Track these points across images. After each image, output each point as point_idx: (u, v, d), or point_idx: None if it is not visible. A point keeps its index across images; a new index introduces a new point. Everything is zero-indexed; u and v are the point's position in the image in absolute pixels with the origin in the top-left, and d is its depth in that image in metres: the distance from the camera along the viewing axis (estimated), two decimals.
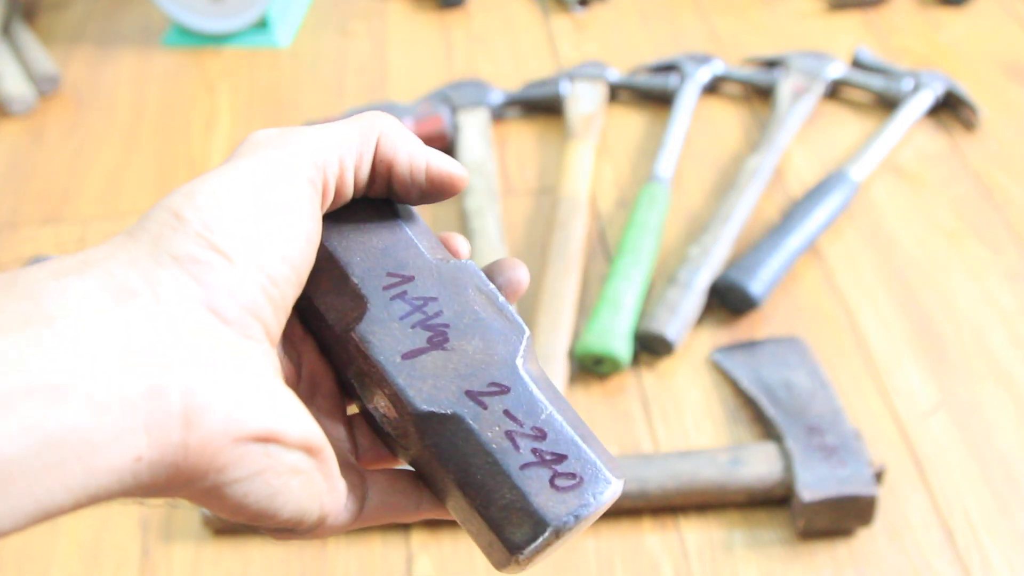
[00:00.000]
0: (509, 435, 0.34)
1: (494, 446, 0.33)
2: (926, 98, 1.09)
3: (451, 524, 0.77)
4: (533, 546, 0.33)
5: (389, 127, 0.36)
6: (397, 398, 0.34)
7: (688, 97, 1.11)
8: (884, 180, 1.04)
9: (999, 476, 0.78)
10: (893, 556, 0.73)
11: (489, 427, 0.34)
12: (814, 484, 0.73)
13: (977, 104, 1.09)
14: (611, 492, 0.33)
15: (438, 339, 0.35)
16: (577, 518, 0.33)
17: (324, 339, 0.37)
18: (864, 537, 0.74)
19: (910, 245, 0.97)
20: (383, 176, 0.37)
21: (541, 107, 1.14)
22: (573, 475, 0.33)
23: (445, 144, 1.08)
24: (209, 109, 1.21)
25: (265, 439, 0.31)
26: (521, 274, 0.38)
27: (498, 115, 1.13)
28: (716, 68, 1.15)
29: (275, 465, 0.31)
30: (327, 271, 0.36)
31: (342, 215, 0.37)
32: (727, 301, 0.91)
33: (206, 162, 1.13)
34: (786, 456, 0.76)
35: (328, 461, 0.33)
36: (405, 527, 0.77)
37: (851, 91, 1.15)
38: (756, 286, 0.89)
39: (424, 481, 0.36)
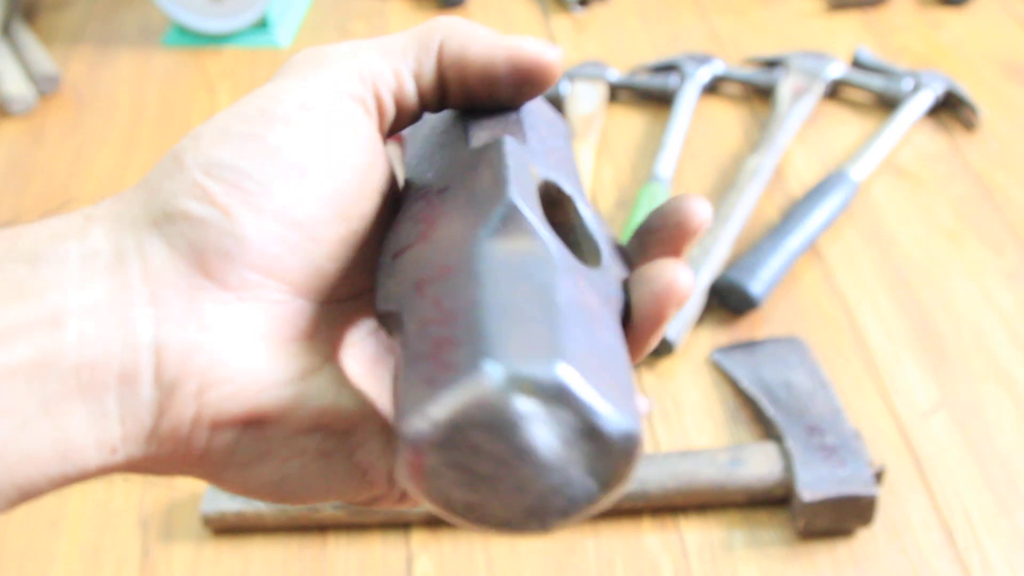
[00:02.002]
0: (422, 325, 0.26)
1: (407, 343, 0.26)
2: (926, 98, 1.09)
3: (451, 524, 0.77)
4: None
5: (453, 25, 0.31)
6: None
7: (688, 97, 1.11)
8: (884, 180, 1.04)
9: (999, 476, 0.78)
10: (893, 556, 0.73)
11: (411, 320, 0.27)
12: (814, 484, 0.73)
13: (977, 104, 1.09)
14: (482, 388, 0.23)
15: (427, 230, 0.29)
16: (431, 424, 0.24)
17: None
18: (864, 537, 0.74)
19: (910, 245, 0.97)
20: (457, 82, 0.31)
21: None
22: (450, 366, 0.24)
23: None
24: (209, 109, 1.21)
25: (255, 422, 0.27)
26: (690, 212, 0.31)
27: None
28: (716, 68, 1.15)
29: (278, 450, 0.28)
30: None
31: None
32: (727, 301, 0.91)
33: None
34: (786, 456, 0.76)
35: (371, 436, 0.29)
36: (405, 527, 0.77)
37: (851, 91, 1.15)
38: (756, 286, 0.89)
39: None
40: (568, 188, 0.31)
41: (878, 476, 0.75)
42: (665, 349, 0.87)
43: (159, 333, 0.26)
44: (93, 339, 0.26)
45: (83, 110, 1.22)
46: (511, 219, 0.28)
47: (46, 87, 1.23)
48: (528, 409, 0.24)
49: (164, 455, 0.27)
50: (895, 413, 0.83)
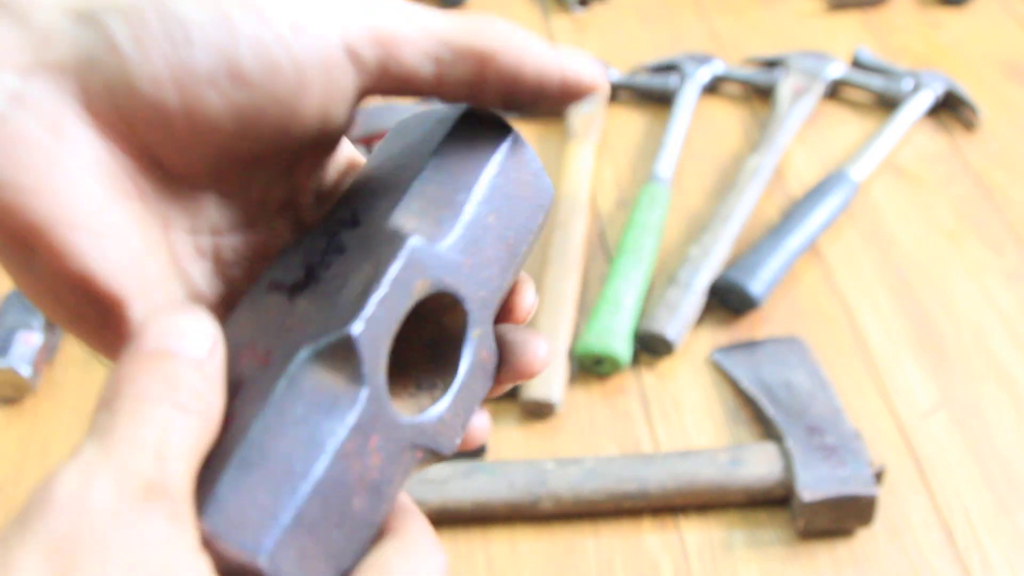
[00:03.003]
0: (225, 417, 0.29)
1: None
2: (926, 98, 1.09)
3: (451, 524, 0.77)
4: None
5: (507, 37, 0.31)
6: None
7: (688, 97, 1.11)
8: (884, 180, 1.04)
9: (999, 476, 0.78)
10: (893, 556, 0.73)
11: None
12: (814, 484, 0.73)
13: (977, 104, 1.09)
14: None
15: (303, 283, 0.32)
16: None
17: None
18: (864, 537, 0.74)
19: (910, 245, 0.97)
20: (498, 92, 0.31)
21: None
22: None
23: None
24: None
25: (30, 243, 0.28)
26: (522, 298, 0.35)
27: None
28: (716, 68, 1.15)
29: (37, 277, 0.29)
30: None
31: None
32: (727, 301, 0.91)
33: None
34: (786, 456, 0.76)
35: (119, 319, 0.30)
36: None
37: (851, 91, 1.15)
38: (756, 286, 0.89)
39: None
40: (470, 298, 0.32)
41: (878, 476, 0.75)
42: (665, 349, 0.87)
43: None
44: None
45: None
46: (341, 351, 0.29)
47: None
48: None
49: None
50: (895, 413, 0.83)
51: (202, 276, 0.32)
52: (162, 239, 0.31)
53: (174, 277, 0.31)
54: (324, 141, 0.32)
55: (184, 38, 0.28)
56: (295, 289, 0.31)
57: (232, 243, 0.33)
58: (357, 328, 0.29)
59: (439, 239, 0.31)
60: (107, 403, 0.27)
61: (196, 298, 0.32)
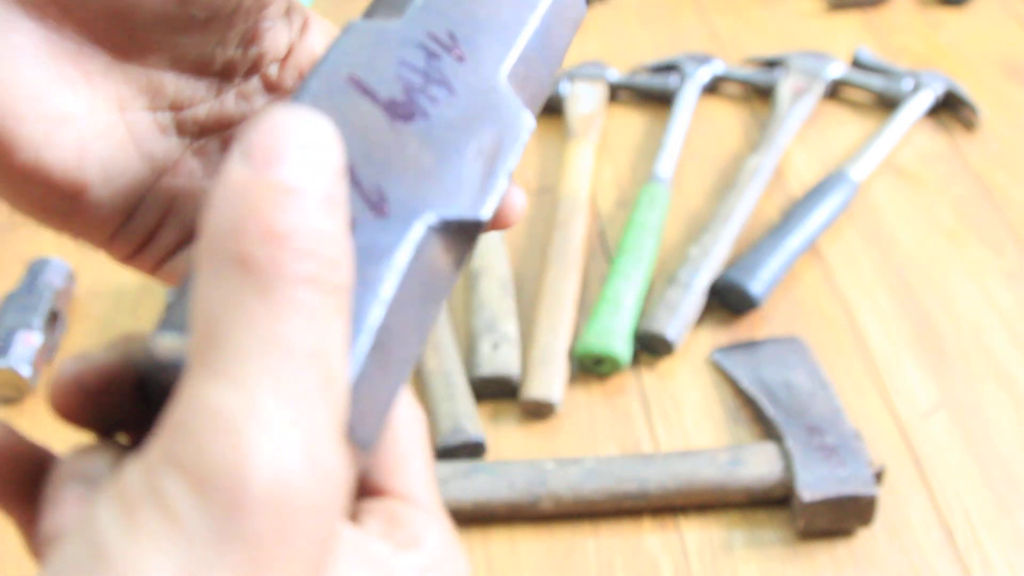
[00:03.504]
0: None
1: None
2: (926, 98, 1.09)
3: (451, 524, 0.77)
4: None
5: None
6: None
7: (688, 97, 1.11)
8: (884, 180, 1.04)
9: (999, 476, 0.78)
10: (893, 556, 0.73)
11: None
12: (814, 484, 0.73)
13: (977, 104, 1.09)
14: None
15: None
16: None
17: None
18: (864, 537, 0.74)
19: (910, 245, 0.97)
20: None
21: None
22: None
23: None
24: None
25: None
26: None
27: None
28: (716, 68, 1.15)
29: None
30: None
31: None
32: (727, 301, 0.91)
33: None
34: (786, 456, 0.76)
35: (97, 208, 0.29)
36: None
37: (851, 91, 1.15)
38: (756, 286, 0.89)
39: None
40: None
41: (878, 476, 0.75)
42: (665, 349, 0.87)
43: None
44: None
45: None
46: (466, 232, 0.27)
47: None
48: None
49: None
50: (895, 413, 0.83)
51: (167, 153, 0.31)
52: (118, 120, 0.30)
53: (137, 158, 0.30)
54: None
55: None
56: (395, 111, 0.27)
57: (198, 116, 0.32)
58: (487, 213, 0.26)
59: (525, 84, 0.31)
60: (213, 316, 0.21)
61: (164, 176, 0.31)
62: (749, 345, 0.87)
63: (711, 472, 0.75)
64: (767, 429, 0.80)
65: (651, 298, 0.91)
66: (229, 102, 0.32)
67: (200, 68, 0.31)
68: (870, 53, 1.17)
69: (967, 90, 1.10)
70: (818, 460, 0.75)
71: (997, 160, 1.06)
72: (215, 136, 0.32)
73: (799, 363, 0.85)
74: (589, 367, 0.86)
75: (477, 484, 0.76)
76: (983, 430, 0.81)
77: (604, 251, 0.97)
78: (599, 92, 1.13)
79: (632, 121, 1.13)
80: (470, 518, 0.76)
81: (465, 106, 0.28)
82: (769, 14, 1.29)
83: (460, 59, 0.29)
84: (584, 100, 1.11)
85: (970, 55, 1.20)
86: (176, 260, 0.32)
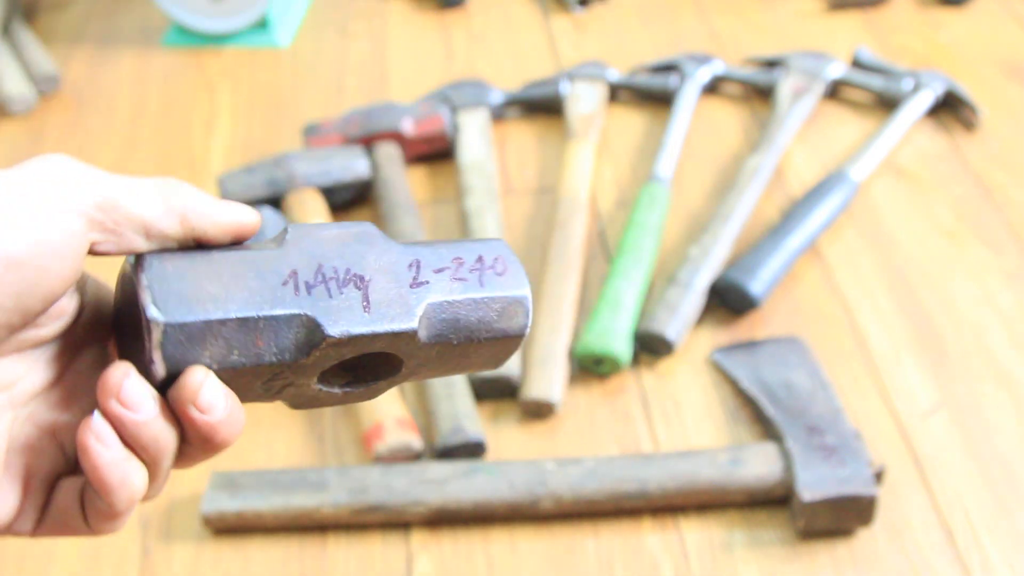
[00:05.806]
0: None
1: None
2: (926, 98, 1.09)
3: (451, 524, 0.77)
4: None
5: (192, 200, 0.37)
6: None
7: (688, 97, 1.11)
8: (884, 180, 1.04)
9: (999, 476, 0.78)
10: (893, 556, 0.73)
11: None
12: (814, 484, 0.73)
13: (977, 104, 1.09)
14: None
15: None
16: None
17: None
18: (864, 537, 0.74)
19: (910, 245, 0.97)
20: (189, 235, 0.38)
21: (541, 107, 1.14)
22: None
23: (445, 144, 1.08)
24: (209, 109, 1.21)
25: None
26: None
27: (498, 115, 1.13)
28: (716, 68, 1.15)
29: None
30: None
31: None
32: (727, 301, 0.91)
33: (206, 162, 1.13)
34: (786, 456, 0.76)
35: None
36: (405, 527, 0.77)
37: (851, 91, 1.15)
38: (756, 286, 0.89)
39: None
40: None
41: (878, 476, 0.75)
42: (665, 349, 0.87)
43: None
44: None
45: (83, 110, 1.22)
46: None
47: (46, 87, 1.23)
48: None
49: None
50: (895, 413, 0.83)
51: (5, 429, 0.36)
52: None
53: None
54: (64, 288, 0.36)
55: None
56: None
57: (27, 390, 0.37)
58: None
59: None
60: None
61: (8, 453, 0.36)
62: (749, 345, 0.87)
63: (711, 472, 0.75)
64: (767, 429, 0.80)
65: (651, 298, 0.91)
66: (54, 369, 0.38)
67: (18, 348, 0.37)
68: (870, 53, 1.17)
69: (967, 90, 1.10)
70: (818, 460, 0.75)
71: (997, 160, 1.06)
72: (54, 404, 0.38)
73: (799, 363, 0.85)
74: (589, 367, 0.86)
75: (477, 484, 0.76)
76: (983, 430, 0.81)
77: (604, 251, 0.97)
78: (599, 92, 1.13)
79: (632, 121, 1.13)
80: (470, 518, 0.76)
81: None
82: (769, 14, 1.29)
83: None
84: (584, 100, 1.11)
85: (970, 55, 1.20)
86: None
